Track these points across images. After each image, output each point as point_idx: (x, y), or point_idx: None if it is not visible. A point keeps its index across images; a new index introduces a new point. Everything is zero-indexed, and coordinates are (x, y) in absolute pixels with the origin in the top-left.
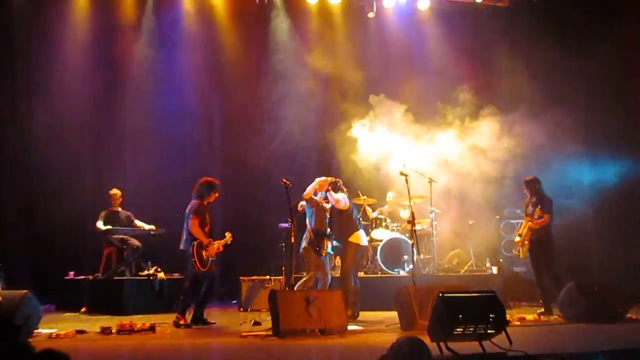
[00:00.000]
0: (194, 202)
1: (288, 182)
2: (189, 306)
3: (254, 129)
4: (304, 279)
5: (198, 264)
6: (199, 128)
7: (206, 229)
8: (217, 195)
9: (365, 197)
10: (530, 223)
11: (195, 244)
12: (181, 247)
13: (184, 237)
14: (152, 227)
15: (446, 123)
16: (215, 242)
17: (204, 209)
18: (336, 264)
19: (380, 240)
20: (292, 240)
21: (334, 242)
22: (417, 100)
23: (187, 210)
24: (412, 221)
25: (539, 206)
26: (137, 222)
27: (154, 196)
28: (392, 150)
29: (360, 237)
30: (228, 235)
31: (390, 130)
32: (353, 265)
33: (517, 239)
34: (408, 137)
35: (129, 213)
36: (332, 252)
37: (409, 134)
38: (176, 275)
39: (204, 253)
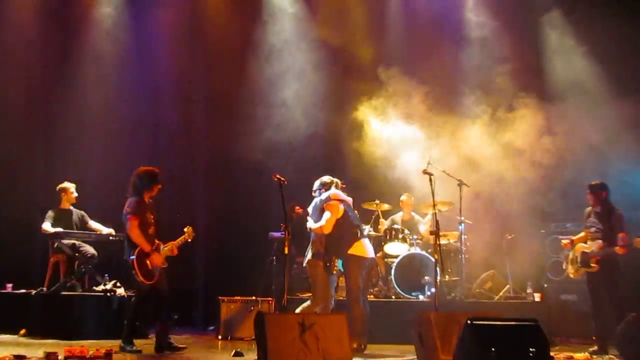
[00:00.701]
0: (130, 199)
1: (282, 179)
2: (134, 330)
3: (243, 113)
4: (308, 303)
5: (140, 276)
6: (175, 110)
7: (150, 231)
8: (159, 187)
9: (377, 201)
10: (616, 248)
11: (136, 251)
12: (125, 256)
13: (125, 243)
14: (111, 230)
15: (478, 113)
16: (165, 246)
17: (144, 207)
18: (339, 284)
19: (396, 257)
20: (286, 251)
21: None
22: (442, 82)
23: (123, 211)
24: (436, 232)
25: (609, 222)
26: (93, 224)
27: (116, 193)
28: (411, 142)
29: (365, 248)
30: (188, 230)
31: (407, 117)
32: (359, 283)
33: (571, 254)
34: (428, 127)
35: (83, 213)
36: (342, 270)
37: (429, 123)
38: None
39: (147, 262)
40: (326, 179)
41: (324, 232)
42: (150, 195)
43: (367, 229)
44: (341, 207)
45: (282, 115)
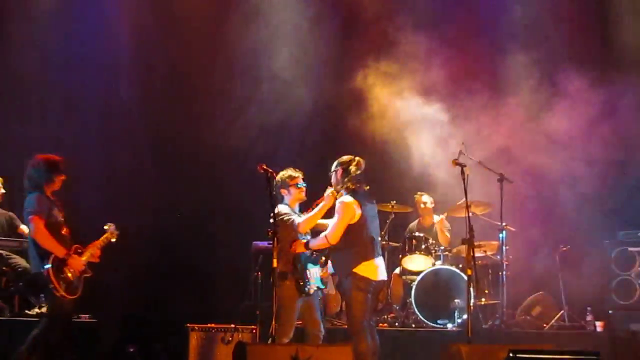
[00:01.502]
0: (29, 197)
1: (270, 171)
2: None
3: (218, 89)
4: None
5: (61, 290)
6: (132, 86)
7: (63, 232)
8: (63, 178)
9: (394, 202)
10: None
11: (51, 259)
12: (33, 268)
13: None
14: None
15: (522, 88)
16: (86, 249)
17: (49, 204)
18: (342, 309)
19: (417, 274)
20: (275, 264)
21: (329, 269)
22: (474, 44)
23: (24, 212)
24: (469, 242)
25: None
26: (26, 230)
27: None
28: (435, 123)
29: (376, 269)
30: (110, 228)
31: (429, 91)
32: (365, 312)
33: None
34: (456, 104)
35: (12, 215)
36: (322, 286)
37: (457, 99)
38: (85, 317)
39: (67, 271)
40: (345, 158)
41: (329, 242)
42: (52, 190)
43: None
44: (358, 211)
45: (269, 90)
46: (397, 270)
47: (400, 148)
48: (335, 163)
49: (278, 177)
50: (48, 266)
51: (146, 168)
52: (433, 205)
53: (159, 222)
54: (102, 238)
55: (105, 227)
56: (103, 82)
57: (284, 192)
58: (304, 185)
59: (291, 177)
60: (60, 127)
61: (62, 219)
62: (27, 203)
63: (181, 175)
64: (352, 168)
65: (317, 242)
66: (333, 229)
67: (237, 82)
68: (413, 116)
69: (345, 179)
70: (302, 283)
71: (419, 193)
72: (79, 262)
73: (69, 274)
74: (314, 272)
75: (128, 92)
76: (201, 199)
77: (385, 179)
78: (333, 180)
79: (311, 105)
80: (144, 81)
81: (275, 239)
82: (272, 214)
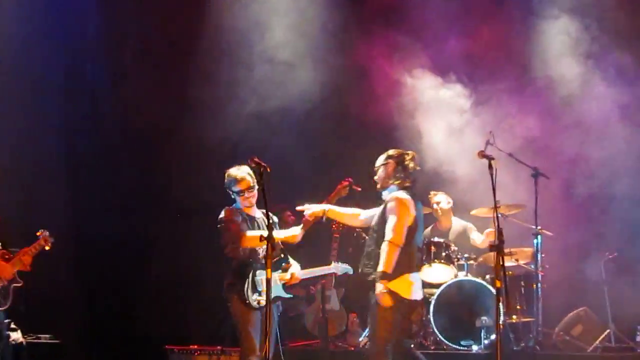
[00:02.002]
0: None
1: (264, 165)
2: None
3: (202, 71)
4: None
5: None
6: (104, 70)
7: None
8: None
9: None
10: None
11: None
12: None
13: None
14: None
15: (557, 68)
16: (15, 256)
17: None
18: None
19: (437, 286)
20: (268, 276)
21: (321, 272)
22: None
23: None
24: (498, 248)
25: None
26: None
27: (16, 185)
28: (455, 108)
29: (410, 286)
30: (42, 234)
31: (444, 71)
32: (391, 333)
33: None
34: (473, 89)
35: None
36: (286, 295)
37: (475, 82)
38: (45, 337)
39: None
40: (397, 151)
41: (397, 245)
42: None
43: None
44: (413, 212)
45: (262, 74)
46: None
47: (413, 137)
48: (383, 156)
49: (226, 175)
50: None
51: (115, 163)
52: (451, 205)
53: (130, 225)
54: (33, 245)
55: (38, 234)
56: (64, 66)
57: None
58: (253, 193)
59: (235, 182)
60: (14, 112)
61: None
62: None
63: (156, 171)
64: (410, 163)
65: (388, 257)
66: (395, 231)
67: (223, 65)
68: (428, 99)
69: (401, 174)
70: (243, 295)
71: (432, 192)
72: (7, 269)
73: None
74: (263, 281)
75: (95, 74)
76: (179, 199)
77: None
78: (380, 174)
79: (311, 88)
80: (114, 62)
81: (269, 245)
82: (266, 216)
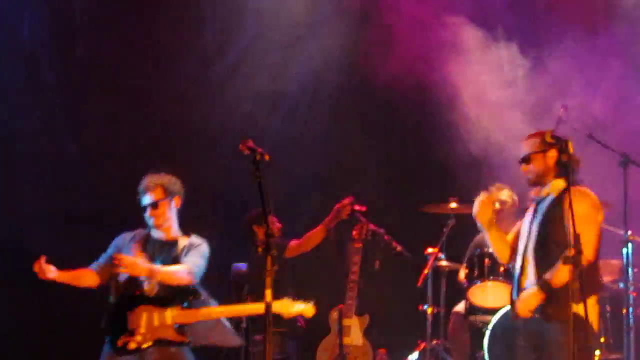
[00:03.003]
0: None
1: (259, 151)
2: None
3: (187, 44)
4: None
5: None
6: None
7: None
8: None
9: (455, 200)
10: None
11: None
12: None
13: None
14: None
15: None
16: None
17: None
18: None
19: (492, 312)
20: (267, 299)
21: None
22: None
23: None
24: (575, 260)
25: None
26: None
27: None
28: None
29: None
30: None
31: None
32: None
33: None
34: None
35: None
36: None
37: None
38: None
39: None
40: (550, 137)
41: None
42: None
43: None
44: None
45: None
46: (460, 307)
47: (459, 117)
48: (535, 140)
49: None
50: None
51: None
52: (517, 205)
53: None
54: None
55: None
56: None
57: None
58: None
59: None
60: None
61: None
62: None
63: (129, 160)
64: (571, 152)
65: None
66: (591, 242)
67: (208, 35)
68: (476, 63)
69: (562, 166)
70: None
71: (497, 185)
72: None
73: None
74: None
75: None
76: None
77: (439, 167)
78: (538, 166)
79: (318, 60)
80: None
81: (269, 257)
82: (264, 217)
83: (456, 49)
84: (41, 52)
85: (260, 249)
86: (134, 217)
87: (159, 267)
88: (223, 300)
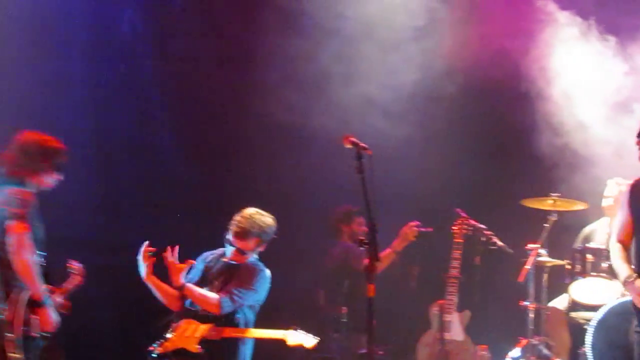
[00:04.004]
0: (15, 191)
1: (362, 145)
2: None
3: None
4: None
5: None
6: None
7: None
8: (58, 178)
9: (557, 195)
10: None
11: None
12: None
13: None
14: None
15: None
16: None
17: (32, 209)
18: None
19: (596, 309)
20: (371, 294)
21: None
22: None
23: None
24: None
25: None
26: None
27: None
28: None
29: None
30: (76, 269)
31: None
32: None
33: None
34: None
35: None
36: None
37: None
38: None
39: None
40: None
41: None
42: (46, 186)
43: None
44: None
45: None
46: (560, 303)
47: (559, 112)
48: None
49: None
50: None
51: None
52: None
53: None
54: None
55: (73, 269)
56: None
57: None
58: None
59: None
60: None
61: (42, 237)
62: (8, 198)
63: (225, 155)
64: None
65: None
66: None
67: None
68: (579, 57)
69: None
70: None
71: (617, 179)
72: (49, 317)
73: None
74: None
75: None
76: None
77: (540, 161)
78: None
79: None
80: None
81: (373, 252)
82: (368, 216)
83: (556, 44)
84: (139, 47)
85: (362, 240)
86: (228, 210)
87: (192, 287)
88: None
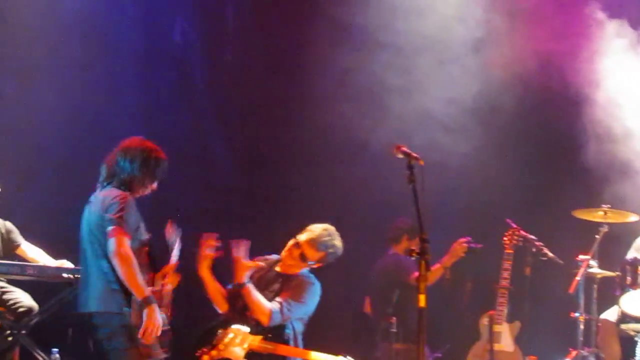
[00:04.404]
0: (112, 192)
1: (414, 155)
2: None
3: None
4: None
5: (141, 345)
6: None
7: (144, 261)
8: (154, 187)
9: (607, 207)
10: None
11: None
12: (91, 308)
13: (90, 278)
14: (65, 262)
15: None
16: (167, 279)
17: (134, 212)
18: None
19: None
20: (421, 304)
21: None
22: None
23: (98, 211)
24: None
25: None
26: (28, 250)
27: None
28: None
29: None
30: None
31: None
32: None
33: None
34: None
35: (11, 226)
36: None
37: None
38: None
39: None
40: None
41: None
42: (142, 195)
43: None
44: None
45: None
46: (612, 315)
47: (609, 122)
48: None
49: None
50: (128, 310)
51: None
52: None
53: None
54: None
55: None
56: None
57: None
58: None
59: None
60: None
61: (147, 238)
62: (107, 202)
63: (277, 164)
64: None
65: None
66: None
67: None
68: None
69: None
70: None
71: None
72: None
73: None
74: None
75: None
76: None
77: (589, 169)
78: None
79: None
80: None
81: (424, 263)
82: (418, 221)
83: (605, 52)
84: (191, 55)
85: (414, 252)
86: (278, 219)
87: (252, 289)
88: None
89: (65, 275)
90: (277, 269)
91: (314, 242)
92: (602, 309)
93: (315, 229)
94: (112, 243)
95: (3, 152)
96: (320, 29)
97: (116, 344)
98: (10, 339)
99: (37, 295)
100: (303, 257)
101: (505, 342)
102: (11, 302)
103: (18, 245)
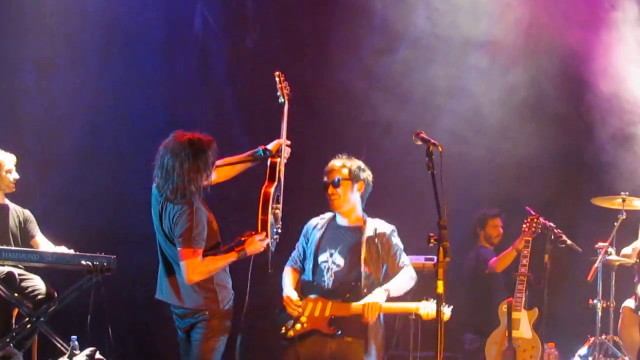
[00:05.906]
0: (182, 208)
1: (433, 142)
2: None
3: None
4: None
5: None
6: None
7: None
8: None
9: (625, 194)
10: None
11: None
12: (179, 302)
13: (165, 278)
14: (63, 248)
15: None
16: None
17: (205, 206)
18: None
19: None
20: (439, 290)
21: None
22: None
23: (172, 211)
24: None
25: None
26: (42, 243)
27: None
28: None
29: None
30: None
31: None
32: None
33: None
34: None
35: (29, 215)
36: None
37: None
38: None
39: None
40: None
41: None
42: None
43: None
44: None
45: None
46: (630, 303)
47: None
48: None
49: None
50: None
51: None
52: None
53: None
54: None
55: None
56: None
57: None
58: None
59: None
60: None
61: (216, 229)
62: (177, 217)
63: (298, 153)
64: None
65: None
66: None
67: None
68: None
69: None
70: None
71: None
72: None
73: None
74: None
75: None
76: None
77: (611, 161)
78: None
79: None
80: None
81: (442, 249)
82: (437, 207)
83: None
84: (213, 44)
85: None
86: (303, 208)
87: (389, 287)
88: None
89: (84, 262)
90: (345, 225)
91: (354, 177)
92: (620, 296)
93: (341, 166)
94: (183, 268)
95: (24, 141)
96: (342, 14)
97: (197, 336)
98: (29, 326)
99: (56, 283)
100: (357, 212)
101: (524, 329)
102: (29, 289)
103: (33, 237)
